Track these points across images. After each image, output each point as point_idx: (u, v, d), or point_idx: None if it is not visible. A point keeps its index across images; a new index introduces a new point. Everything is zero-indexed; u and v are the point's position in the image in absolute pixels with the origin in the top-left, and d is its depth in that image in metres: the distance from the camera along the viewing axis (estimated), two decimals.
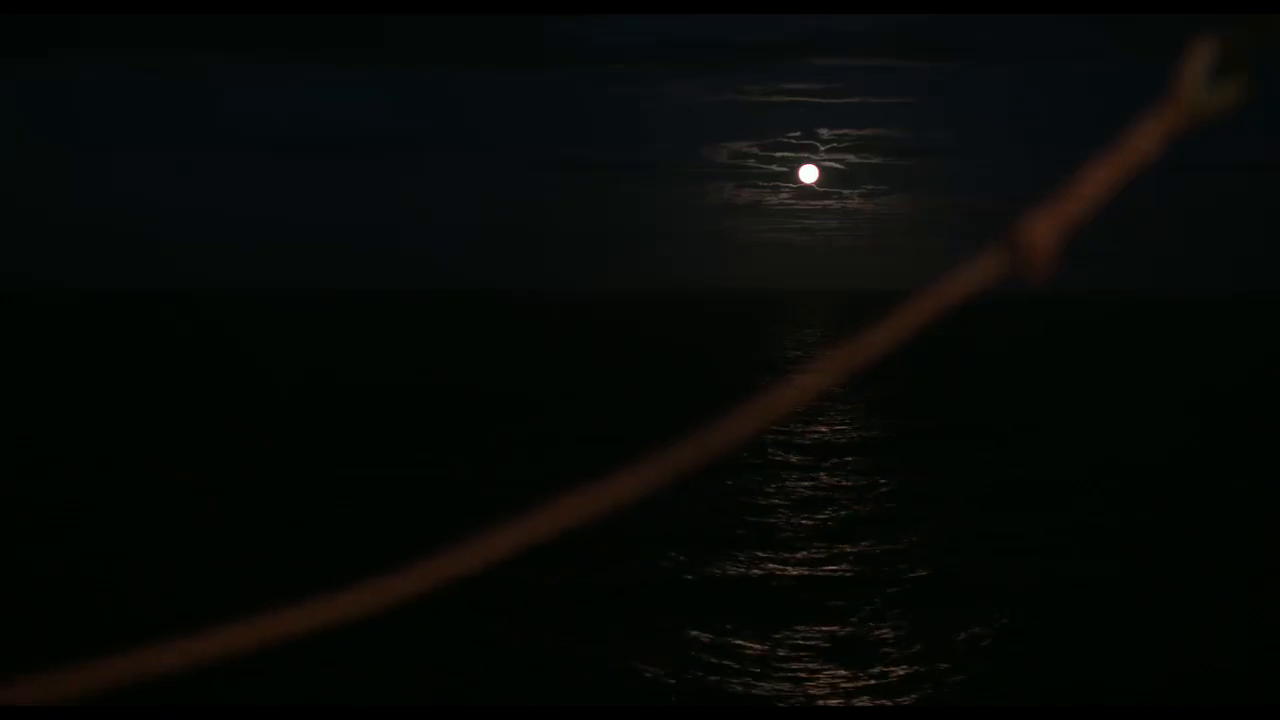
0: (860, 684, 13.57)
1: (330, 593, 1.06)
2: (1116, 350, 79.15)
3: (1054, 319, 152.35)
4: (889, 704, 13.02)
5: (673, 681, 13.53)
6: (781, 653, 14.68)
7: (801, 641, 15.12)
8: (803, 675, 13.87)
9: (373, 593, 1.07)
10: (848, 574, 18.44)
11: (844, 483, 26.81)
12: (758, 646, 14.90)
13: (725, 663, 14.26)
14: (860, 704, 13.07)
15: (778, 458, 30.45)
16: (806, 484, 26.65)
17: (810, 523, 22.37)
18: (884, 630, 15.51)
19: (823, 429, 36.47)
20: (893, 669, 14.01)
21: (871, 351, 0.98)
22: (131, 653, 1.08)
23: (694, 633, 15.29)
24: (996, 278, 0.96)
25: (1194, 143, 1.04)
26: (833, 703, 13.14)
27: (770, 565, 19.00)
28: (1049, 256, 0.95)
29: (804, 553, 19.84)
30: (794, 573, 18.55)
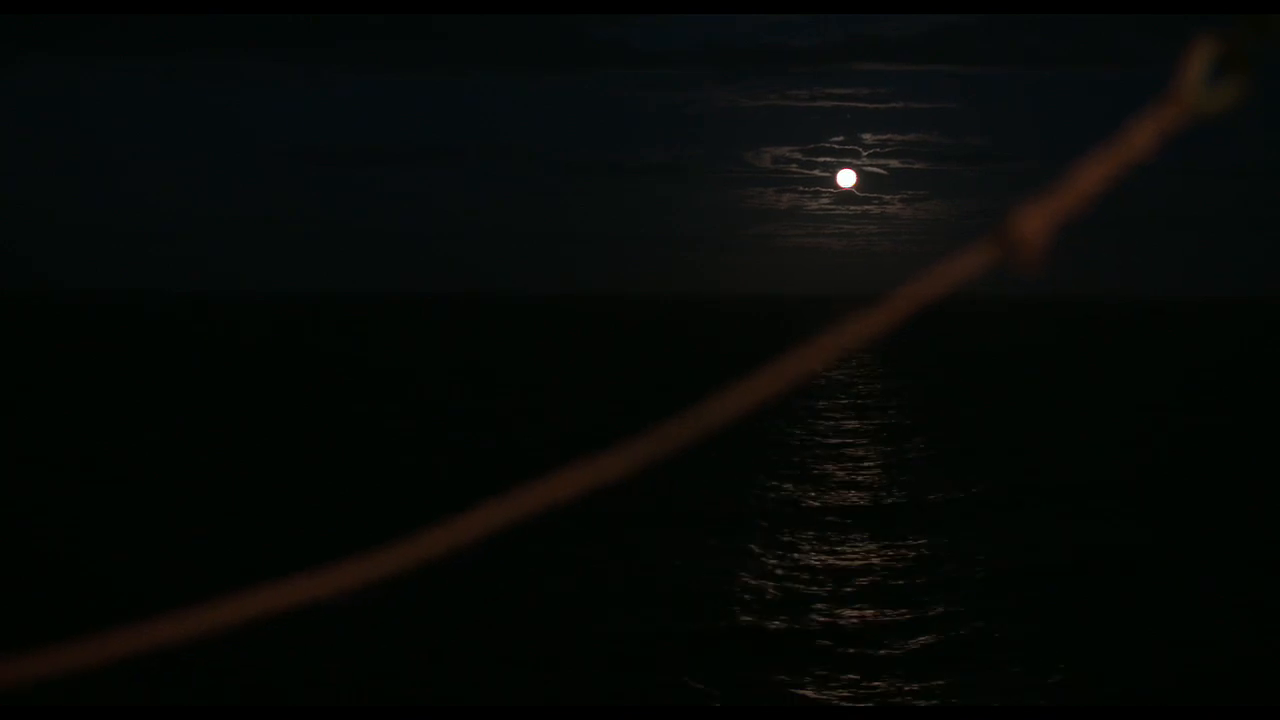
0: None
1: (339, 561, 1.07)
2: (1128, 355, 78.70)
3: (1068, 322, 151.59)
4: (888, 704, 13.01)
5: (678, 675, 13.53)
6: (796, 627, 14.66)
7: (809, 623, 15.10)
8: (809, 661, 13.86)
9: (367, 565, 1.08)
10: (860, 563, 18.41)
11: (845, 474, 26.77)
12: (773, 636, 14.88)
13: (736, 654, 14.26)
14: (860, 704, 13.06)
15: (787, 442, 30.50)
16: (808, 474, 26.62)
17: (811, 511, 22.35)
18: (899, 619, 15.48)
19: (823, 423, 36.44)
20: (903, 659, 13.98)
21: (861, 339, 0.99)
22: (137, 624, 1.09)
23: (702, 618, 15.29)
24: (988, 271, 0.96)
25: (1193, 143, 1.04)
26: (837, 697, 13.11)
27: (779, 551, 18.99)
28: (1041, 251, 0.96)
29: (812, 535, 19.82)
30: (805, 558, 18.53)
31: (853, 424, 38.93)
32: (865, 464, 30.18)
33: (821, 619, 16.04)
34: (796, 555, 19.77)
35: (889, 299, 0.95)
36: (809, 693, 13.38)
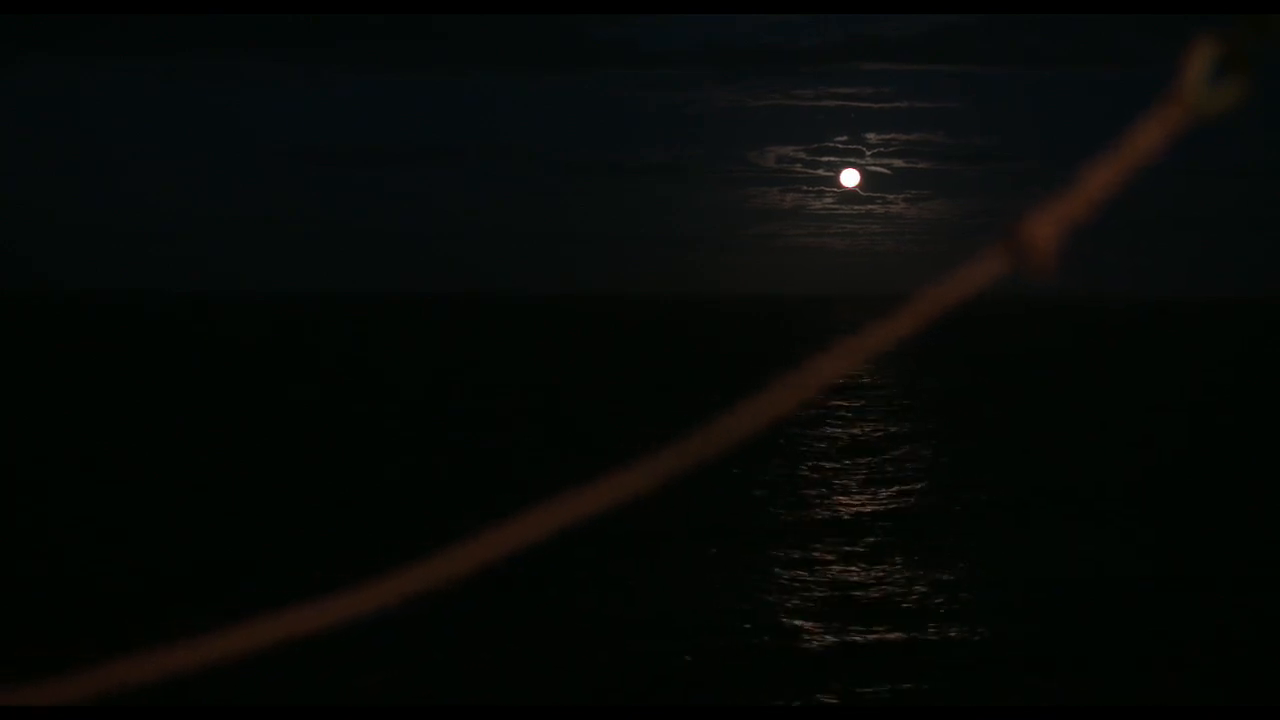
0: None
1: (356, 583, 1.07)
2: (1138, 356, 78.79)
3: (1077, 324, 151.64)
4: (888, 705, 13.03)
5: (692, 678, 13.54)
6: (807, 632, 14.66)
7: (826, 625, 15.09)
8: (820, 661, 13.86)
9: (401, 581, 1.08)
10: (870, 570, 18.42)
11: (860, 477, 26.77)
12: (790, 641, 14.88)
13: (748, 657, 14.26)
14: (859, 705, 13.08)
15: (802, 449, 30.50)
16: (822, 477, 26.62)
17: (827, 516, 22.35)
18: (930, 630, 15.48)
19: (838, 428, 36.44)
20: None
21: (877, 346, 1.00)
22: (145, 652, 1.09)
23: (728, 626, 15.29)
24: (999, 276, 0.97)
25: (1194, 143, 1.05)
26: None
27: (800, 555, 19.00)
28: (1050, 255, 0.96)
29: (826, 543, 19.84)
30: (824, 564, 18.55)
31: (867, 427, 38.94)
32: (888, 468, 30.23)
33: (851, 633, 16.03)
34: (825, 566, 19.81)
35: (915, 301, 0.96)
36: (832, 701, 13.40)
